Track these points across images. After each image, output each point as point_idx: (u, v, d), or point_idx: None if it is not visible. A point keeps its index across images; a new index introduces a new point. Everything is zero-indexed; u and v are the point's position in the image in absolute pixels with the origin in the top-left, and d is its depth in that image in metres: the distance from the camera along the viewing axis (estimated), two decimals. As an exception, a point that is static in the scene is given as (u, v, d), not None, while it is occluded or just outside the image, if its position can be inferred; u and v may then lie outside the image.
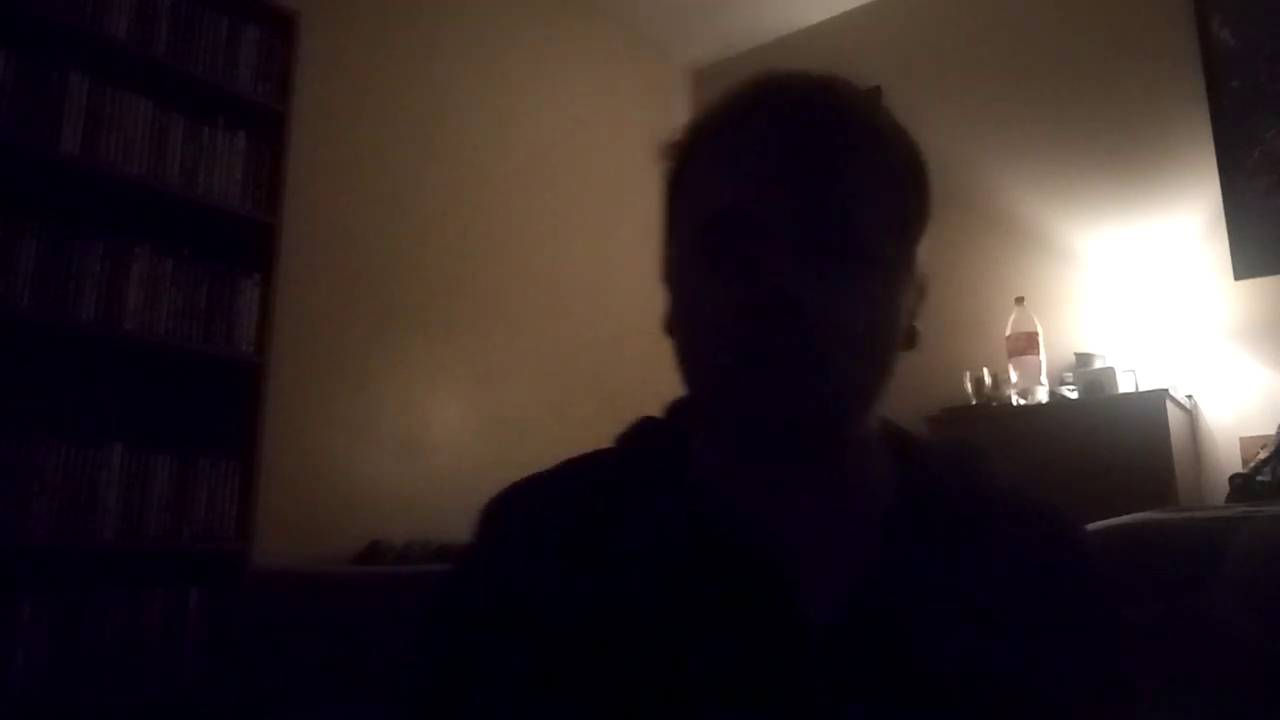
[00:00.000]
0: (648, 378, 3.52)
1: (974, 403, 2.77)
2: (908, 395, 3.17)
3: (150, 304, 2.01)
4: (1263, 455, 2.23)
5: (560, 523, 0.57)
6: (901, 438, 0.62)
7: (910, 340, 0.61)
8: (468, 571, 0.59)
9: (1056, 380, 2.70)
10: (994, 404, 2.74)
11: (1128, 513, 1.28)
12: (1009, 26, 3.21)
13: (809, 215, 0.52)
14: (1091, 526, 1.21)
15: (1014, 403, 2.67)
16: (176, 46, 2.12)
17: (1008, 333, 2.73)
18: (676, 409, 0.65)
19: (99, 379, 2.04)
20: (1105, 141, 2.92)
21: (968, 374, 2.81)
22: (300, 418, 2.39)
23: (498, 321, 3.00)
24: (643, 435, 0.64)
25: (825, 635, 0.51)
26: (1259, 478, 2.10)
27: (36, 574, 1.81)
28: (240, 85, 2.23)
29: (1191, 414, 2.62)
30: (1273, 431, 2.32)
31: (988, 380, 2.77)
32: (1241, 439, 2.55)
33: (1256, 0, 2.73)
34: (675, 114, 3.96)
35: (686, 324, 0.57)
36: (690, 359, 0.57)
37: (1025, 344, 2.69)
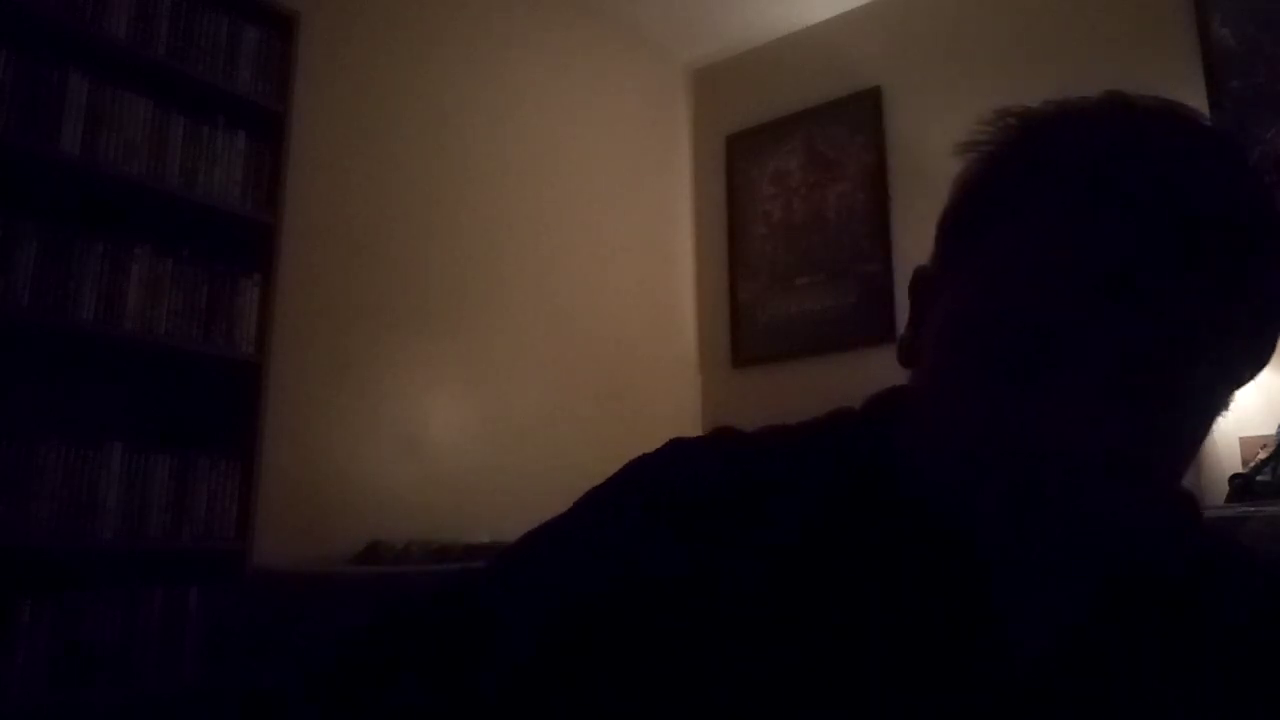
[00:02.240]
0: (647, 378, 3.54)
1: (974, 403, 2.77)
2: (908, 395, 3.09)
3: (150, 304, 2.01)
4: (1263, 455, 2.23)
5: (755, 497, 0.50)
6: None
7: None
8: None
9: (1056, 380, 2.70)
10: (994, 404, 2.74)
11: (1128, 513, 1.28)
12: (1009, 26, 3.21)
13: (1132, 351, 0.41)
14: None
15: (1014, 403, 2.67)
16: (176, 46, 2.12)
17: (1008, 333, 2.73)
18: (881, 406, 0.57)
19: (99, 379, 2.04)
20: (1105, 141, 2.92)
21: (968, 374, 2.81)
22: (300, 418, 2.39)
23: (498, 321, 3.00)
24: (848, 427, 0.57)
25: (1031, 668, 0.47)
26: (1259, 478, 2.10)
27: (36, 574, 1.81)
28: (240, 85, 2.23)
29: (1191, 414, 2.62)
30: (1273, 431, 2.32)
31: (988, 380, 2.77)
32: (1241, 439, 2.55)
33: (1256, 0, 2.72)
34: (675, 114, 3.95)
35: (934, 407, 0.48)
36: (933, 444, 0.48)
37: (1025, 344, 2.69)
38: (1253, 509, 1.16)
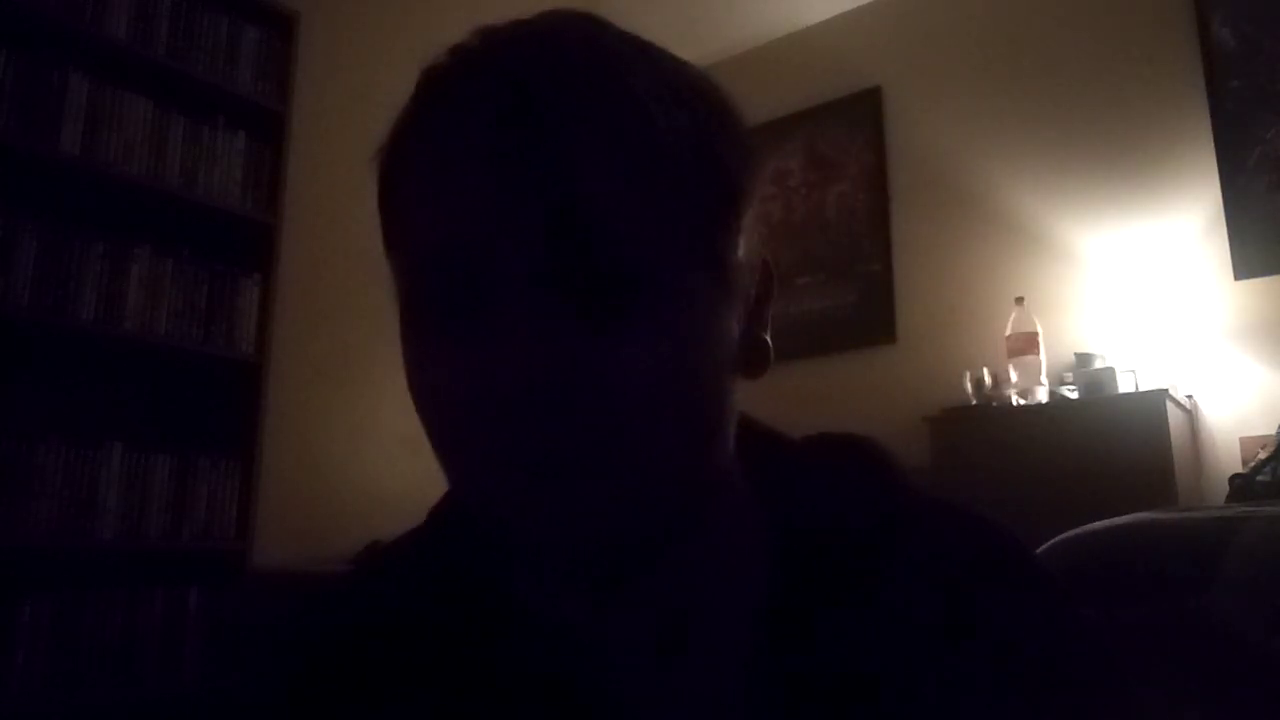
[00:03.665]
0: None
1: (974, 403, 2.77)
2: (907, 395, 3.16)
3: (150, 304, 2.01)
4: (1263, 455, 2.23)
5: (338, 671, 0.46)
6: (767, 464, 0.47)
7: (757, 362, 0.44)
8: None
9: (1056, 380, 2.70)
10: (994, 404, 2.74)
11: (1128, 513, 1.28)
12: (1009, 26, 3.21)
13: (555, 247, 0.36)
14: (1092, 526, 1.21)
15: (1014, 403, 2.67)
16: (176, 46, 2.12)
17: (1008, 333, 2.73)
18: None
19: (99, 379, 2.04)
20: (1105, 141, 2.92)
21: (968, 374, 2.81)
22: (300, 418, 2.39)
23: (498, 321, 3.01)
24: (453, 524, 0.51)
25: None
26: (1259, 478, 2.10)
27: (36, 574, 1.81)
28: (240, 85, 2.23)
29: (1191, 414, 2.62)
30: (1273, 431, 2.32)
31: (988, 380, 2.77)
32: (1241, 439, 2.55)
33: (1256, 0, 2.72)
34: (675, 114, 3.95)
35: (422, 408, 0.41)
36: (441, 458, 0.42)
37: (1025, 344, 2.69)
38: (1253, 509, 1.16)
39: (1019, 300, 2.75)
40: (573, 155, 0.36)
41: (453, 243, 0.37)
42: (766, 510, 0.45)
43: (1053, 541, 1.20)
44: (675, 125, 0.38)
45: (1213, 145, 2.72)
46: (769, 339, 0.45)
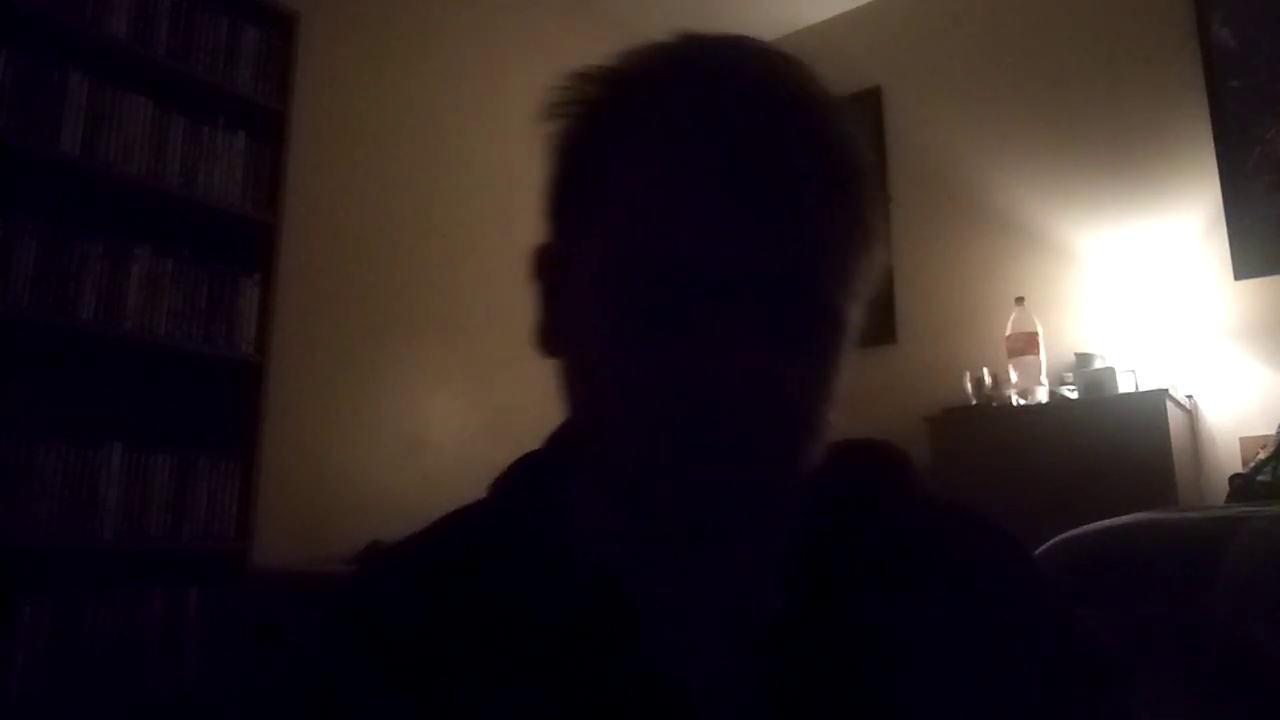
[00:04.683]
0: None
1: (974, 403, 2.77)
2: (908, 395, 3.17)
3: (150, 304, 2.01)
4: (1263, 455, 2.23)
5: (410, 614, 0.48)
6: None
7: None
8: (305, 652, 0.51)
9: (1056, 380, 2.70)
10: (994, 404, 2.74)
11: (1128, 513, 1.29)
12: (1009, 26, 3.21)
13: (781, 282, 0.42)
14: (1092, 526, 1.21)
15: (1014, 403, 2.67)
16: (176, 46, 2.12)
17: (1008, 333, 2.73)
18: (560, 442, 0.56)
19: (99, 379, 2.03)
20: (1105, 141, 2.92)
21: (968, 374, 2.81)
22: (300, 418, 2.39)
23: (498, 321, 3.00)
24: (515, 486, 0.55)
25: (707, 705, 0.44)
26: (1259, 478, 2.10)
27: (36, 574, 1.81)
28: (240, 85, 2.23)
29: (1191, 414, 2.62)
30: (1273, 431, 2.33)
31: (988, 380, 2.77)
32: (1241, 439, 2.55)
33: (1256, 0, 2.72)
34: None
35: (591, 379, 0.46)
36: (595, 418, 0.46)
37: (1025, 344, 2.69)
38: (1253, 509, 1.16)
39: (1019, 300, 2.76)
40: (810, 203, 0.42)
41: (687, 258, 0.41)
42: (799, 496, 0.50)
43: (1053, 541, 1.21)
44: (867, 171, 0.45)
45: (1213, 145, 2.72)
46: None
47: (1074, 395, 2.62)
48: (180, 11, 2.14)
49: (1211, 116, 2.73)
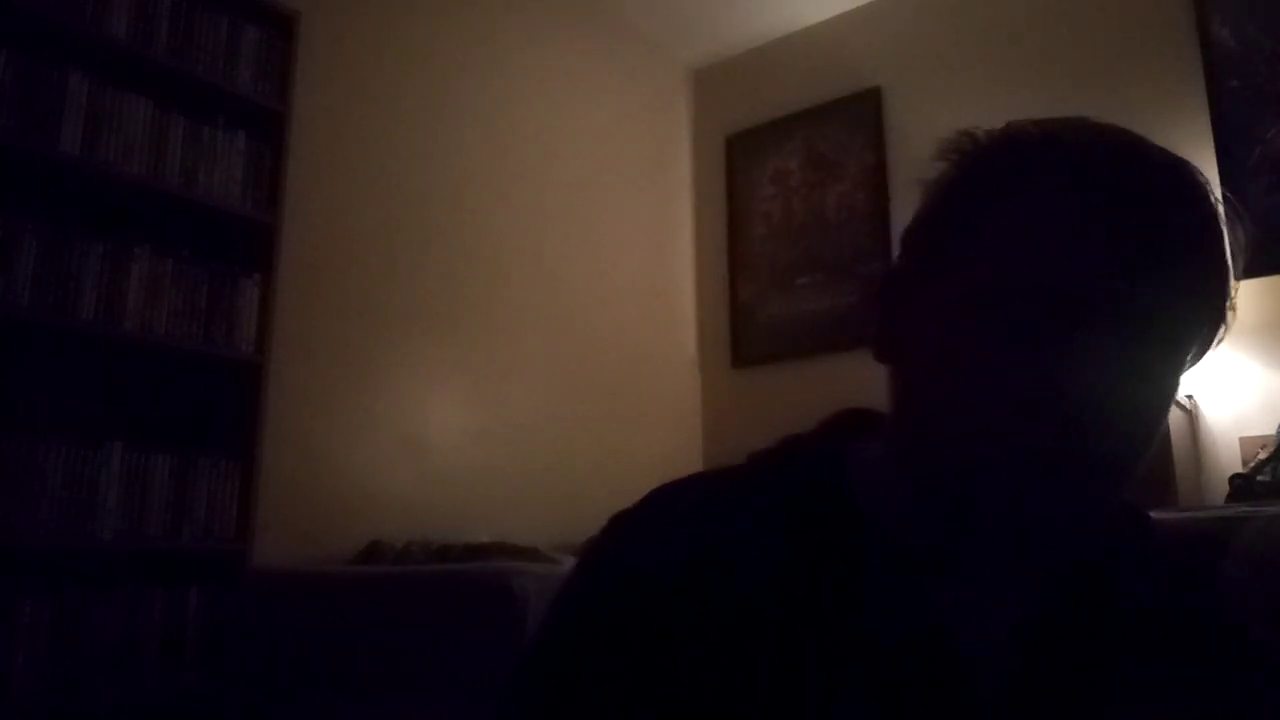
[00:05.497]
0: (647, 378, 3.53)
1: (974, 403, 2.77)
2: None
3: (150, 304, 2.01)
4: (1263, 455, 2.23)
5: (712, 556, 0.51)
6: None
7: None
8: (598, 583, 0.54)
9: (1056, 380, 2.70)
10: (994, 404, 2.74)
11: (1128, 513, 1.28)
12: (1009, 26, 3.21)
13: (1147, 321, 0.48)
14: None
15: (1014, 403, 2.67)
16: (176, 46, 2.12)
17: (1008, 333, 2.73)
18: (839, 430, 0.62)
19: (99, 379, 2.03)
20: (1105, 141, 2.92)
21: (968, 374, 2.81)
22: (300, 418, 2.39)
23: (498, 321, 3.00)
24: (799, 466, 0.58)
25: (991, 683, 0.50)
26: (1259, 478, 2.10)
27: (36, 574, 1.81)
28: (240, 85, 2.23)
29: (1191, 414, 2.62)
30: (1273, 431, 2.33)
31: (988, 380, 2.77)
32: (1241, 439, 2.55)
33: (1256, 0, 2.72)
34: (675, 114, 3.96)
35: (953, 386, 0.50)
36: (941, 421, 0.50)
37: (1025, 344, 2.69)
38: (1253, 509, 1.17)
39: (1019, 300, 2.76)
40: (1178, 251, 0.49)
41: (1078, 286, 0.47)
42: None
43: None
44: (1224, 256, 0.56)
45: (1212, 145, 2.72)
46: None
47: (1074, 395, 2.62)
48: (180, 11, 2.14)
49: (1211, 116, 2.73)
